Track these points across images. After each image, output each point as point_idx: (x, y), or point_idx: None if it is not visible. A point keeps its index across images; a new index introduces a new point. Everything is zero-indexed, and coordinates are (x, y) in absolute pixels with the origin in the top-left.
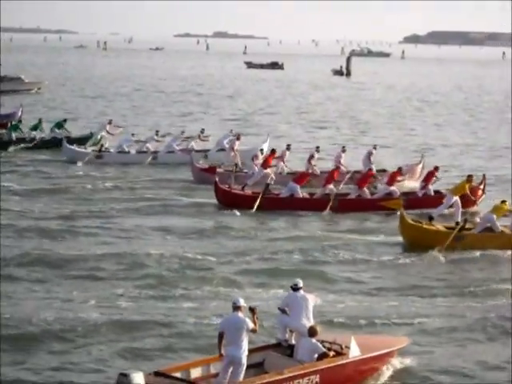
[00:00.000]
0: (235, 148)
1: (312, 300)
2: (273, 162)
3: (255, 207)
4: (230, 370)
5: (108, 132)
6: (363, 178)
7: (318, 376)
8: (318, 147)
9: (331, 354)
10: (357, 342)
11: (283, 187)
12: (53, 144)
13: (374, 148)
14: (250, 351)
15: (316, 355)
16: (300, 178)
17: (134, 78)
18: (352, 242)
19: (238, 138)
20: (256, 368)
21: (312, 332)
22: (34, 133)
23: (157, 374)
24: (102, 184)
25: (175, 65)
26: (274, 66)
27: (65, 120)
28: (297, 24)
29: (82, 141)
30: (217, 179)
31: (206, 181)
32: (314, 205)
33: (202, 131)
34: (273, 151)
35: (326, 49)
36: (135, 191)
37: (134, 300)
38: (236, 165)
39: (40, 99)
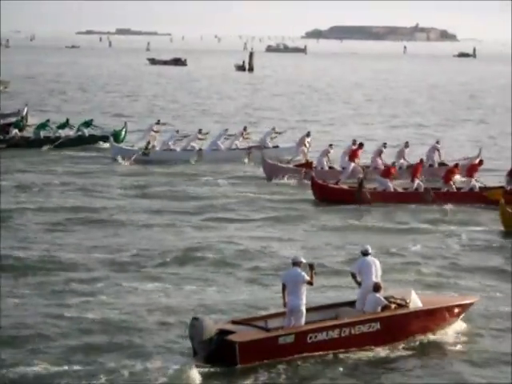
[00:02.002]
0: (305, 144)
1: (378, 263)
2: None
3: (359, 200)
4: (293, 317)
5: (154, 131)
6: (449, 172)
7: (378, 323)
8: (385, 143)
9: (393, 306)
10: (423, 298)
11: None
12: (80, 142)
13: (437, 143)
14: (325, 307)
15: (379, 308)
16: (387, 172)
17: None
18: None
19: (307, 135)
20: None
21: (376, 287)
22: (60, 131)
23: (234, 322)
24: (176, 180)
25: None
26: (177, 62)
27: (91, 120)
28: (199, 20)
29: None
30: (313, 174)
31: (279, 177)
32: (412, 198)
33: (245, 128)
34: (361, 145)
35: (228, 45)
36: (216, 189)
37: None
38: (307, 160)
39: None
